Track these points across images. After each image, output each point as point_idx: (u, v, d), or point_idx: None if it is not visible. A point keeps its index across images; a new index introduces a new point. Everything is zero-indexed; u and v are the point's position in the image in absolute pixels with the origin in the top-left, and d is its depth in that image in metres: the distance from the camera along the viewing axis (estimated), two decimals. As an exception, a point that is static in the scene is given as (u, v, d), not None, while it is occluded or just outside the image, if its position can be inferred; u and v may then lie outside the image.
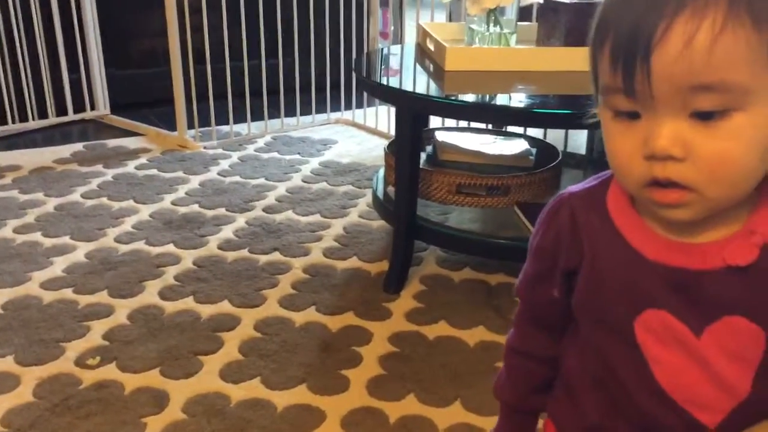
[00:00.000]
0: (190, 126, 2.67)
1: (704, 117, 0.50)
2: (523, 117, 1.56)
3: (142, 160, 2.53)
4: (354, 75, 2.06)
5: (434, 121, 2.47)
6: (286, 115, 2.85)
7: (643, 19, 0.49)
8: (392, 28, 3.46)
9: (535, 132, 2.32)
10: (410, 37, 2.96)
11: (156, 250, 1.90)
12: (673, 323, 0.60)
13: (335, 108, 2.99)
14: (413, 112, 1.60)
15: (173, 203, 2.18)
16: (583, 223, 0.63)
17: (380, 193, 1.87)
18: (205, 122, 2.68)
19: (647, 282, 0.59)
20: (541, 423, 0.78)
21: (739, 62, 0.49)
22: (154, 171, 2.43)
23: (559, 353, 0.72)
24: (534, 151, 1.86)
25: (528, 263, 0.70)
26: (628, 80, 0.51)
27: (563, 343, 0.72)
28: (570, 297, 0.66)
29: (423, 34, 1.95)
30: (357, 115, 2.99)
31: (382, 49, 2.27)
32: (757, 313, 0.58)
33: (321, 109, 2.96)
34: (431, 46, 1.84)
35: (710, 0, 0.48)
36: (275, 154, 2.61)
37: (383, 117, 2.84)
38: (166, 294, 1.69)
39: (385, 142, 2.26)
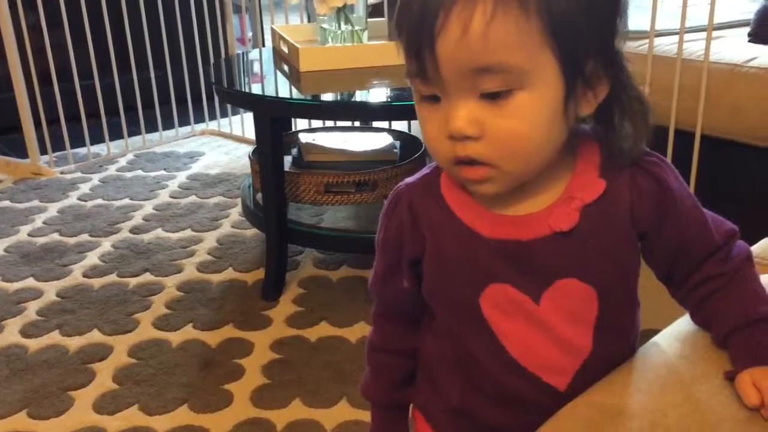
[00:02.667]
0: (43, 152, 2.52)
1: (491, 97, 0.54)
2: (376, 111, 1.58)
3: (-7, 192, 2.36)
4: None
5: (301, 123, 2.47)
6: (148, 131, 2.75)
7: (427, 9, 0.53)
8: (250, 33, 3.42)
9: (400, 125, 2.36)
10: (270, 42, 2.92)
11: (14, 285, 1.78)
12: (514, 294, 0.62)
13: (199, 119, 2.92)
14: (270, 116, 1.59)
15: (30, 234, 2.05)
16: (422, 211, 0.64)
17: (250, 201, 1.84)
18: (60, 146, 2.54)
19: (486, 258, 0.62)
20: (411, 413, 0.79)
21: (513, 45, 0.52)
22: (7, 202, 2.27)
23: (418, 343, 0.73)
24: (398, 144, 1.89)
25: (377, 259, 0.70)
26: (421, 66, 0.55)
27: (420, 331, 0.73)
28: (420, 286, 0.67)
29: (277, 37, 1.93)
30: (223, 124, 2.93)
31: (239, 55, 2.23)
32: (586, 273, 0.61)
33: (184, 122, 2.87)
34: (285, 49, 1.83)
35: None
36: (139, 172, 2.51)
37: (249, 124, 2.79)
38: (28, 331, 1.59)
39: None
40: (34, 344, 1.54)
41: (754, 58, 1.66)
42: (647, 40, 1.74)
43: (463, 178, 0.59)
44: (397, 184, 0.68)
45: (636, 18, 1.81)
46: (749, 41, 1.83)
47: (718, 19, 1.71)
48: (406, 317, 0.72)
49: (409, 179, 0.67)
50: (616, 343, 0.65)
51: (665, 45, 1.78)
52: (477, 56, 0.52)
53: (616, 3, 0.56)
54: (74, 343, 1.54)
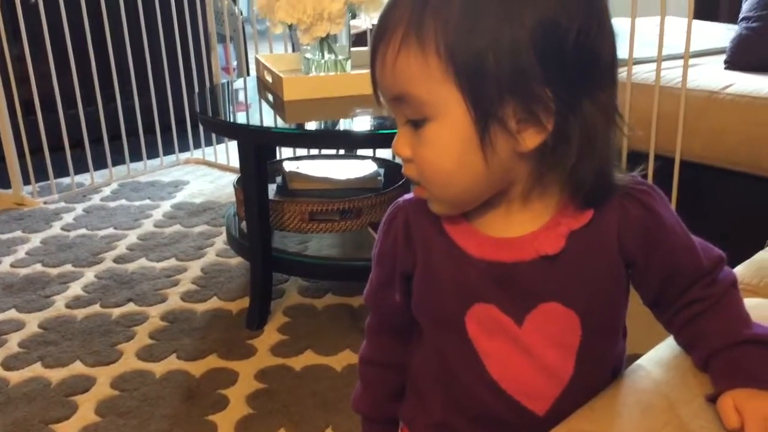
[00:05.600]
0: (27, 182, 2.51)
1: (414, 125, 0.59)
2: (360, 140, 1.59)
3: (-26, 223, 2.34)
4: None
5: (286, 152, 2.48)
6: (132, 160, 2.74)
7: (373, 41, 0.59)
8: (235, 62, 3.44)
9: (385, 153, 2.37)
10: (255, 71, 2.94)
11: (-5, 317, 1.76)
12: (497, 315, 0.63)
13: (184, 148, 2.92)
14: (254, 144, 1.59)
15: (12, 265, 2.03)
16: (416, 227, 0.66)
17: (235, 230, 1.84)
18: (43, 176, 2.53)
19: (473, 278, 0.63)
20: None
21: (415, 79, 0.56)
22: (-11, 233, 2.26)
23: (408, 358, 0.74)
24: (382, 171, 1.90)
25: (373, 271, 0.72)
26: (374, 93, 0.61)
27: (411, 346, 0.73)
28: (410, 301, 0.68)
29: (261, 66, 1.94)
30: (207, 153, 2.93)
31: (223, 84, 2.24)
32: (570, 298, 0.62)
33: (169, 151, 2.88)
34: (270, 78, 1.85)
35: (396, 28, 0.56)
36: (123, 202, 2.51)
37: (234, 153, 2.80)
38: (9, 363, 1.57)
39: (236, 178, 2.23)
40: (15, 377, 1.52)
41: (731, 85, 1.69)
42: (626, 68, 1.77)
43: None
44: (383, 211, 0.70)
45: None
46: (726, 68, 1.86)
47: (694, 47, 1.75)
48: (398, 331, 0.73)
49: (407, 195, 0.68)
50: (598, 370, 0.66)
51: (643, 72, 1.81)
52: (391, 86, 0.58)
53: (543, 51, 0.53)
54: (56, 375, 1.52)
